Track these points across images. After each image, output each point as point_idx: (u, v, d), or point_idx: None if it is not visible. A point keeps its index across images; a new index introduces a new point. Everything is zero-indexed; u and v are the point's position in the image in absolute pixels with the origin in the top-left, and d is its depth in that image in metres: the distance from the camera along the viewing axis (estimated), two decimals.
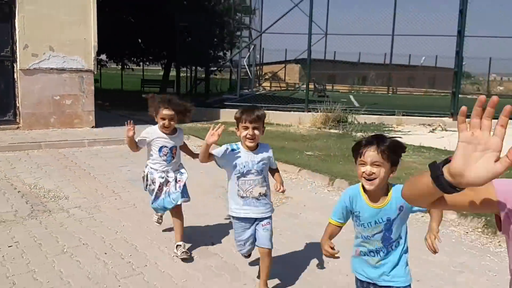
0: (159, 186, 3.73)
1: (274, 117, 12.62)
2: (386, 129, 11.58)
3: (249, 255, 3.37)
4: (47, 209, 4.93)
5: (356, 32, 26.30)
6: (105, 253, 3.84)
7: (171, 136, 3.76)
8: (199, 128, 10.78)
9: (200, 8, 17.96)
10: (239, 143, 3.16)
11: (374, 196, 2.20)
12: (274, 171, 3.33)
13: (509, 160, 0.90)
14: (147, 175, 3.81)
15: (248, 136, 3.03)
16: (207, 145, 3.00)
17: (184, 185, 3.84)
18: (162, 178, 3.75)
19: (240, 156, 3.11)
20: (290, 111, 13.33)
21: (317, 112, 12.32)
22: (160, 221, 4.28)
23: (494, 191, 1.18)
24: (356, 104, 15.24)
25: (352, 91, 25.95)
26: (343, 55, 27.47)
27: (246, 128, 3.03)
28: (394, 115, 12.55)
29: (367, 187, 2.14)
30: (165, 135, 3.73)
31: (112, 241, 4.10)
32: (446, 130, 11.61)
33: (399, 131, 11.36)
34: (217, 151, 3.12)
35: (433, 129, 11.78)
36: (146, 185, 3.86)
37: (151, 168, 3.79)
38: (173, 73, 29.04)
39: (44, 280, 3.32)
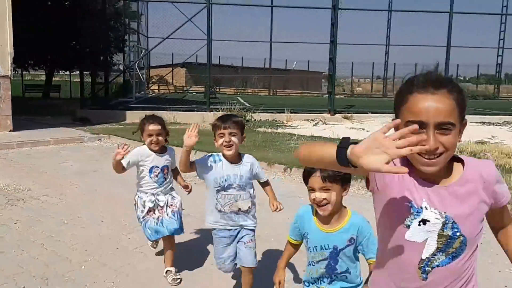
0: (148, 211, 3.53)
1: (179, 116, 13.81)
2: (279, 124, 13.45)
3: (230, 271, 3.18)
4: (19, 198, 5.58)
5: (239, 38, 28.36)
6: (102, 221, 4.81)
7: (161, 154, 3.54)
8: (113, 128, 11.49)
9: (88, 12, 18.19)
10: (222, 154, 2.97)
11: (326, 219, 2.09)
12: (264, 184, 3.14)
13: (393, 169, 1.18)
14: (136, 201, 3.59)
15: (224, 143, 2.84)
16: (186, 150, 2.80)
17: (179, 214, 3.64)
18: (152, 202, 3.52)
19: (221, 169, 2.92)
20: (193, 111, 14.59)
21: (219, 111, 13.73)
22: (155, 246, 4.01)
23: None
24: (247, 105, 16.95)
25: (238, 93, 27.87)
26: (228, 59, 29.31)
27: (222, 135, 2.84)
28: (284, 112, 14.54)
29: (321, 213, 2.05)
30: (154, 154, 3.51)
31: (100, 213, 5.04)
32: (326, 124, 13.90)
33: (290, 126, 13.33)
34: (200, 160, 2.96)
35: (316, 123, 14.00)
36: (139, 212, 3.57)
37: (141, 191, 3.56)
38: (55, 77, 28.12)
39: (66, 240, 4.23)
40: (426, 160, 1.32)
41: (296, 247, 2.31)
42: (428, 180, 1.40)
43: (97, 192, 5.99)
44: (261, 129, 11.72)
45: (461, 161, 1.44)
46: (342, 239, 2.06)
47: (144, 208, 3.52)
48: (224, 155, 2.93)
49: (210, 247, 3.95)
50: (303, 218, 2.17)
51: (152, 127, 3.44)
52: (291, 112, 14.51)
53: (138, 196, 3.56)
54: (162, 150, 3.55)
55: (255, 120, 13.73)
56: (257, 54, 29.99)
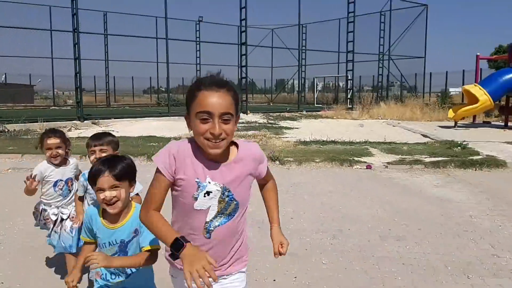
0: (55, 223, 3.57)
1: None
2: (38, 133, 14.88)
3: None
4: None
5: None
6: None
7: (64, 167, 3.60)
8: None
9: None
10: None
11: (113, 216, 2.12)
12: None
13: None
14: (40, 212, 3.62)
15: (95, 160, 2.93)
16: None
17: (77, 230, 3.54)
18: (55, 215, 3.57)
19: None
20: None
21: None
22: None
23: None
24: None
25: None
26: None
27: (93, 152, 3.04)
28: (37, 122, 15.95)
29: (111, 211, 2.08)
30: (57, 167, 3.56)
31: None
32: (79, 129, 16.07)
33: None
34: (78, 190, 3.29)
35: (69, 129, 16.01)
36: (38, 221, 3.67)
37: (44, 204, 3.61)
38: None
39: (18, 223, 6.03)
40: (212, 143, 1.71)
41: (92, 246, 2.29)
42: (213, 160, 1.80)
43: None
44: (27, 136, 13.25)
45: (236, 144, 1.86)
46: (128, 232, 2.15)
47: (48, 222, 3.58)
48: None
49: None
50: (91, 217, 2.20)
51: (51, 141, 3.49)
52: (44, 121, 16.04)
53: (42, 209, 3.62)
54: (63, 162, 3.61)
55: (9, 131, 14.58)
56: None
